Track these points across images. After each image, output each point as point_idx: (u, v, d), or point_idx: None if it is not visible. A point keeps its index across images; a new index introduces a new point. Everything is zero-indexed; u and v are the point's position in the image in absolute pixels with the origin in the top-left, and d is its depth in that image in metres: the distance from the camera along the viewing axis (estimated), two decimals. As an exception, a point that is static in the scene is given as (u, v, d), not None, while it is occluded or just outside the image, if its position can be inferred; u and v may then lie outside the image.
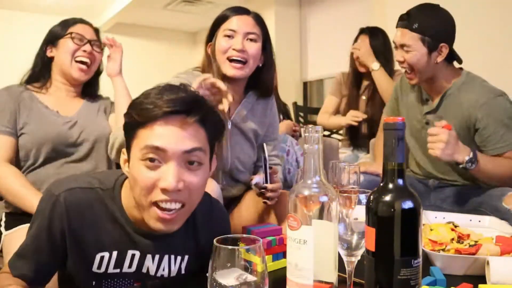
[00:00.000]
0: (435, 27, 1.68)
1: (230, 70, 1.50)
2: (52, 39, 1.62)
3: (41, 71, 1.63)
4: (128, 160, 0.93)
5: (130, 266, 0.98)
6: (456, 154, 1.52)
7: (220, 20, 1.56)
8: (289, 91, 2.63)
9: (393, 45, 1.81)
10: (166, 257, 1.01)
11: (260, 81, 1.62)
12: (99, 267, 0.97)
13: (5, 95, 1.55)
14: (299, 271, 0.76)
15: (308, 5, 4.67)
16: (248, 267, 0.65)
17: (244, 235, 0.73)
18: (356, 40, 2.53)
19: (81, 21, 1.67)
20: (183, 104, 0.88)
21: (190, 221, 1.00)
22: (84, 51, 1.60)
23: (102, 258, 0.97)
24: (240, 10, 1.56)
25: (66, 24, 1.63)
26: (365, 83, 2.55)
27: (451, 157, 1.52)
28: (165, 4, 5.19)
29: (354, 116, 2.46)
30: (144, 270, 1.00)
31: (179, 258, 1.02)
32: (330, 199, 0.75)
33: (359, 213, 0.79)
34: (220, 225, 1.08)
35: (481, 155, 1.59)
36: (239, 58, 1.49)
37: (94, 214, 0.95)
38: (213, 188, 1.36)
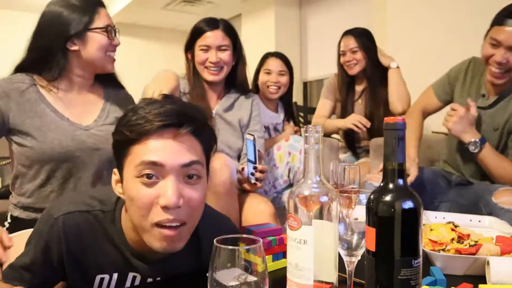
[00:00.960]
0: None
1: (209, 76, 1.87)
2: (75, 31, 1.39)
3: (59, 64, 1.39)
4: (121, 181, 0.90)
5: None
6: (464, 133, 1.65)
7: (196, 35, 1.89)
8: (292, 93, 2.65)
9: (489, 41, 1.64)
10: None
11: (235, 77, 1.94)
12: (99, 287, 0.96)
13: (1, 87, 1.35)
14: (299, 271, 0.75)
15: (308, 5, 4.67)
16: (248, 267, 0.65)
17: (244, 235, 0.73)
18: (339, 43, 2.46)
19: (101, 3, 1.47)
20: (175, 116, 0.85)
21: (193, 241, 0.96)
22: (115, 45, 1.48)
23: (102, 279, 0.95)
24: (211, 25, 1.87)
25: (87, 10, 1.41)
26: (359, 87, 2.47)
27: (460, 133, 1.65)
28: (165, 4, 5.20)
29: (358, 121, 2.34)
30: None
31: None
32: (330, 199, 0.75)
33: (359, 213, 0.79)
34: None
35: (491, 149, 1.66)
36: (215, 68, 1.86)
37: (93, 238, 0.93)
38: (225, 160, 1.62)
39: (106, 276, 0.95)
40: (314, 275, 0.75)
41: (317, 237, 0.74)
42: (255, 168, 1.69)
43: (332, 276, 0.77)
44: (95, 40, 1.42)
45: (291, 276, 0.77)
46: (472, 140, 1.64)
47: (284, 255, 1.09)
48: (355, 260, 0.83)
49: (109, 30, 1.44)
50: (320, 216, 0.75)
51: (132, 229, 0.91)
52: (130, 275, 0.96)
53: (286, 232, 0.79)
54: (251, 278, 0.65)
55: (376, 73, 2.38)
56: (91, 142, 1.41)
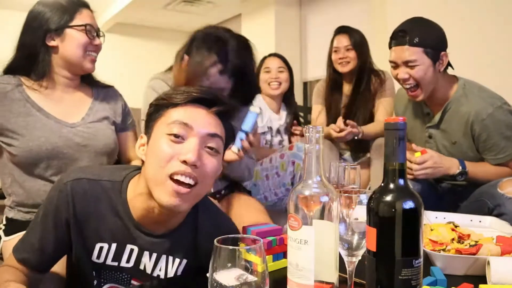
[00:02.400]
0: (433, 37, 1.70)
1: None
2: (55, 27, 1.40)
3: (41, 62, 1.41)
4: (147, 142, 0.99)
5: (128, 261, 1.01)
6: (445, 172, 1.68)
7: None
8: (294, 94, 2.66)
9: (390, 65, 1.77)
10: (163, 257, 1.02)
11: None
12: (98, 257, 1.00)
13: None
14: (300, 271, 0.75)
15: (308, 5, 4.67)
16: (248, 267, 0.65)
17: (245, 235, 0.73)
18: (332, 41, 2.46)
19: (85, 4, 1.48)
20: (211, 94, 0.99)
21: (192, 226, 1.04)
22: (96, 45, 1.48)
23: (101, 248, 1.00)
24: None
25: (68, 9, 1.43)
26: (346, 89, 2.44)
27: (445, 172, 1.68)
28: (165, 4, 5.19)
29: (334, 130, 2.25)
30: (141, 267, 1.02)
31: (177, 260, 1.04)
32: (331, 199, 0.75)
33: (360, 213, 0.79)
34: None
35: (470, 165, 1.70)
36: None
37: (97, 205, 0.98)
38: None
39: (105, 245, 0.99)
40: (314, 275, 0.75)
41: (318, 237, 0.74)
42: (246, 135, 1.60)
43: (332, 276, 0.77)
44: (74, 38, 1.43)
45: (292, 276, 0.77)
46: (457, 171, 1.67)
47: (284, 255, 1.09)
48: (356, 260, 0.83)
49: (88, 29, 1.45)
50: (320, 216, 0.75)
51: (138, 202, 0.97)
52: (128, 247, 1.00)
53: (287, 232, 0.79)
54: (251, 278, 0.65)
55: (364, 76, 2.37)
56: (78, 139, 1.42)
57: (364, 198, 0.80)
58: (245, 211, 1.69)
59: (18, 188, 1.43)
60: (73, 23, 1.43)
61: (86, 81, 1.55)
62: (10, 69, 1.44)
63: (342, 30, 2.46)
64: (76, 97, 1.50)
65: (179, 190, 0.91)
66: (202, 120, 0.95)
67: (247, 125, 1.63)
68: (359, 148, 2.46)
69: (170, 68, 1.75)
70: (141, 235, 1.00)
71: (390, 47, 1.75)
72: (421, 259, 0.70)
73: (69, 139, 1.41)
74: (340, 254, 0.80)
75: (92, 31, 1.46)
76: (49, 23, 1.40)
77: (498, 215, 1.51)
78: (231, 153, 1.60)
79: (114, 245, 1.00)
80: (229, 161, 1.58)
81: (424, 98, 1.75)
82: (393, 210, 0.69)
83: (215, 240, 0.65)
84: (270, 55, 2.59)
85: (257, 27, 4.89)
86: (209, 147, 0.95)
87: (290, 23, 4.68)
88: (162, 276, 1.03)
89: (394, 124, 0.71)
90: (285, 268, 0.80)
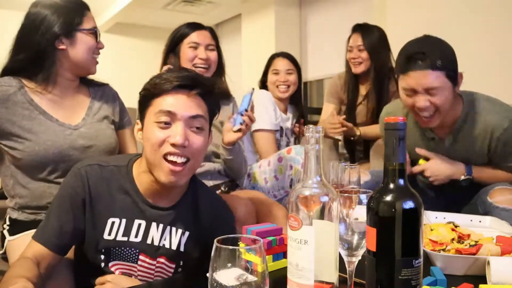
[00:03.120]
0: (451, 58, 1.54)
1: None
2: (65, 30, 1.40)
3: (48, 65, 1.40)
4: (142, 128, 1.14)
5: (136, 235, 1.13)
6: (451, 176, 1.66)
7: (182, 36, 1.89)
8: (301, 95, 2.64)
9: (403, 93, 1.58)
10: (168, 228, 1.16)
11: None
12: (109, 233, 1.12)
13: None
14: (300, 271, 0.75)
15: (308, 5, 4.67)
16: (248, 267, 0.65)
17: (245, 235, 0.72)
18: (349, 39, 2.39)
19: (88, 7, 1.49)
20: (189, 79, 1.11)
21: (193, 203, 1.20)
22: (100, 48, 1.50)
23: (113, 223, 1.13)
24: (197, 26, 1.89)
25: (77, 12, 1.44)
26: (363, 89, 2.39)
27: (450, 178, 1.66)
28: (165, 4, 5.19)
29: (329, 128, 2.24)
30: (149, 240, 1.14)
31: (179, 231, 1.17)
32: (331, 199, 0.75)
33: (360, 213, 0.79)
34: (223, 216, 1.26)
35: (477, 171, 1.67)
36: (203, 66, 1.85)
37: (109, 186, 1.13)
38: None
39: (117, 220, 1.13)
40: (314, 275, 0.75)
41: (318, 237, 0.74)
42: (246, 110, 1.67)
43: (332, 276, 0.77)
44: (83, 41, 1.44)
45: (292, 276, 0.77)
46: (462, 177, 1.65)
47: (284, 255, 1.09)
48: (356, 260, 0.83)
49: (96, 32, 1.47)
50: (320, 216, 0.75)
51: (143, 178, 1.14)
52: (136, 222, 1.14)
53: (287, 232, 0.79)
54: (251, 278, 0.65)
55: (380, 78, 2.29)
56: (82, 141, 1.42)
57: (364, 198, 0.80)
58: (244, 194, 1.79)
59: (22, 189, 1.41)
60: (82, 26, 1.44)
61: (82, 81, 1.55)
62: (12, 71, 1.42)
63: (357, 28, 2.37)
64: (75, 98, 1.50)
65: (174, 169, 1.07)
66: (184, 105, 1.09)
67: (244, 105, 1.69)
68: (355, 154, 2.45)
69: None
70: (148, 208, 1.14)
71: (403, 72, 1.54)
72: (421, 259, 0.70)
73: (74, 141, 1.41)
74: (340, 254, 0.80)
75: (97, 34, 1.48)
76: (58, 26, 1.39)
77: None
78: (233, 134, 1.69)
79: (124, 221, 1.13)
80: (233, 142, 1.71)
81: (437, 125, 1.60)
82: (393, 210, 0.69)
83: (215, 240, 0.66)
84: (279, 55, 2.45)
85: (257, 27, 4.89)
86: (194, 127, 1.10)
87: (290, 23, 4.68)
88: (167, 246, 1.15)
89: (394, 124, 0.71)
90: (285, 268, 0.80)
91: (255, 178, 2.12)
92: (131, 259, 1.14)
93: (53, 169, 1.38)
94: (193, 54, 1.85)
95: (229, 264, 0.64)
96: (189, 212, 1.19)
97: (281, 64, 2.38)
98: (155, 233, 1.14)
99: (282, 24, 4.61)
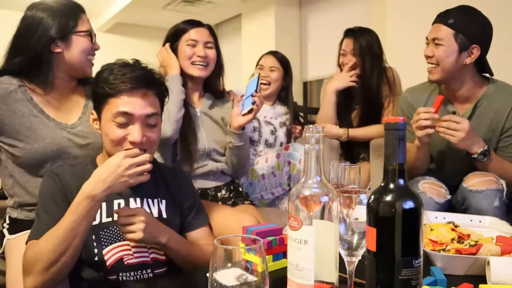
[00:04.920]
0: (470, 26, 1.65)
1: (195, 71, 1.83)
2: (61, 33, 1.40)
3: (45, 68, 1.41)
4: (98, 119, 1.23)
5: None
6: (473, 145, 1.61)
7: (180, 33, 1.86)
8: (292, 95, 2.63)
9: (425, 41, 1.77)
10: (145, 200, 1.25)
11: (211, 85, 1.92)
12: (94, 219, 1.15)
13: None
14: (300, 271, 0.75)
15: (308, 5, 4.67)
16: (248, 267, 0.65)
17: (245, 235, 0.73)
18: (341, 42, 2.36)
19: (83, 10, 1.50)
20: (144, 81, 1.18)
21: (158, 173, 1.31)
22: (95, 49, 1.51)
23: None
24: (195, 23, 1.87)
25: (71, 15, 1.44)
26: (356, 92, 2.34)
27: (468, 147, 1.62)
28: (165, 4, 5.19)
29: (348, 78, 2.26)
30: None
31: (156, 201, 1.26)
32: (331, 199, 0.75)
33: (360, 213, 0.79)
34: (185, 181, 1.39)
35: (495, 155, 1.65)
36: (202, 63, 1.82)
37: (80, 180, 1.15)
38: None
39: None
40: (314, 275, 0.75)
41: (318, 237, 0.74)
42: (256, 92, 1.72)
43: (332, 276, 0.77)
44: (79, 43, 1.44)
45: (292, 276, 0.77)
46: (481, 149, 1.61)
47: (284, 255, 1.09)
48: (356, 260, 0.83)
49: (91, 34, 1.48)
50: (320, 216, 0.75)
51: None
52: (115, 202, 1.22)
53: (287, 232, 0.79)
54: (251, 278, 0.65)
55: (370, 83, 2.26)
56: (79, 139, 1.44)
57: (364, 198, 0.80)
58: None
59: (20, 189, 1.43)
60: (78, 29, 1.44)
61: (79, 81, 1.55)
62: (11, 72, 1.42)
63: (350, 32, 2.34)
64: (71, 99, 1.51)
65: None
66: (140, 106, 1.17)
67: (251, 88, 1.73)
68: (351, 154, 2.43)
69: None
70: None
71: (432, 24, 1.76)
72: (421, 259, 0.70)
73: (71, 140, 1.43)
74: (340, 254, 0.80)
75: (93, 35, 1.49)
76: (53, 29, 1.39)
77: (466, 210, 1.56)
78: (243, 117, 1.74)
79: (104, 204, 1.19)
80: (243, 125, 1.75)
81: (438, 80, 1.73)
82: (393, 210, 0.69)
83: (215, 240, 0.66)
84: (267, 52, 2.50)
85: (257, 27, 4.89)
86: (149, 124, 1.19)
87: (290, 23, 4.68)
88: None
89: (394, 124, 0.71)
90: (285, 268, 0.80)
91: (253, 175, 2.12)
92: (121, 237, 1.16)
93: (51, 166, 1.39)
94: (191, 52, 1.82)
95: (229, 264, 0.64)
96: (158, 181, 1.30)
97: (266, 61, 2.41)
98: (135, 207, 1.21)
99: (282, 24, 4.61)
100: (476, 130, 1.66)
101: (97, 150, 1.43)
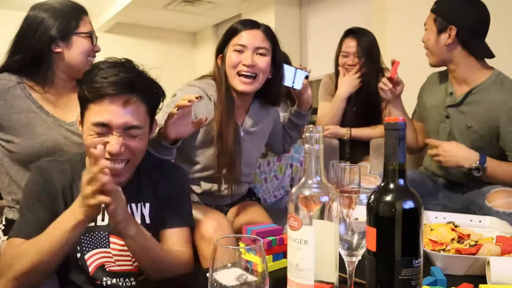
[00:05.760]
0: (447, 8, 1.73)
1: (240, 85, 1.55)
2: (62, 33, 1.41)
3: (45, 67, 1.42)
4: (81, 122, 1.14)
5: (102, 219, 1.14)
6: (462, 162, 1.63)
7: (230, 34, 1.59)
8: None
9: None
10: (128, 206, 1.14)
11: (269, 92, 1.67)
12: None
13: None
14: (300, 271, 0.75)
15: (308, 5, 4.67)
16: (248, 267, 0.65)
17: (245, 235, 0.72)
18: (341, 42, 2.35)
19: (85, 11, 1.50)
20: (127, 86, 1.07)
21: (144, 174, 1.22)
22: (96, 51, 1.51)
23: None
24: (250, 24, 1.58)
25: (73, 16, 1.45)
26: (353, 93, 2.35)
27: (459, 164, 1.64)
28: (165, 4, 5.18)
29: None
30: None
31: (139, 205, 1.19)
32: (331, 199, 0.75)
33: (360, 213, 0.79)
34: (176, 177, 1.29)
35: (491, 161, 1.63)
36: (249, 73, 1.54)
37: (67, 176, 1.15)
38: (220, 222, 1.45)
39: None
40: (314, 275, 0.75)
41: (318, 237, 0.74)
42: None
43: (332, 276, 0.77)
44: (79, 44, 1.45)
45: (292, 276, 0.77)
46: (473, 166, 1.61)
47: (284, 255, 1.09)
48: (356, 260, 0.83)
49: (92, 36, 1.48)
50: (320, 216, 0.75)
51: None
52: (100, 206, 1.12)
53: (287, 232, 0.79)
54: (251, 278, 0.65)
55: (373, 80, 2.27)
56: (77, 137, 1.44)
57: (364, 198, 0.80)
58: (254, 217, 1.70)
59: (16, 187, 1.43)
60: (79, 30, 1.45)
61: (78, 81, 1.54)
62: (10, 69, 1.44)
63: (352, 33, 2.32)
64: (71, 97, 1.51)
65: (114, 172, 1.06)
66: (118, 115, 1.06)
67: (290, 68, 1.76)
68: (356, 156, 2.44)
69: (202, 77, 1.69)
70: None
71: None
72: (421, 259, 0.70)
73: (68, 138, 1.43)
74: (340, 254, 0.80)
75: (93, 37, 1.49)
76: (55, 29, 1.40)
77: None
78: (307, 93, 1.78)
79: None
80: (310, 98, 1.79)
81: (433, 64, 1.81)
82: (393, 210, 0.69)
83: (215, 240, 0.66)
84: None
85: (257, 27, 4.89)
86: (131, 135, 1.09)
87: (290, 23, 4.68)
88: None
89: (394, 124, 0.71)
90: (285, 268, 0.80)
91: (256, 179, 2.12)
92: (102, 243, 1.13)
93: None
94: (237, 59, 1.54)
95: (229, 264, 0.64)
96: (142, 183, 1.21)
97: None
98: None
99: (282, 24, 4.60)
100: (470, 117, 1.70)
101: None
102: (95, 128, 1.07)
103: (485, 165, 1.61)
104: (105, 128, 1.07)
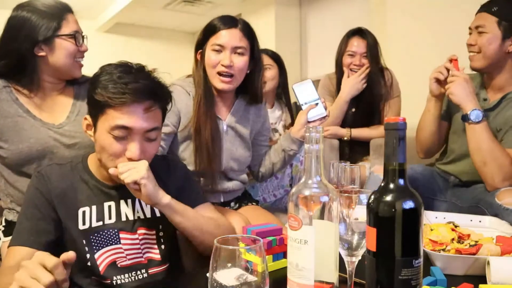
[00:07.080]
0: None
1: (219, 84, 1.57)
2: (43, 37, 1.36)
3: (29, 71, 1.39)
4: (93, 127, 1.13)
5: (110, 217, 1.16)
6: (468, 100, 1.60)
7: (209, 32, 1.59)
8: (289, 91, 2.64)
9: (468, 32, 1.76)
10: (137, 200, 1.19)
11: (249, 87, 1.68)
12: (83, 222, 1.14)
13: None
14: (300, 271, 0.75)
15: (308, 5, 4.67)
16: (248, 267, 0.65)
17: (245, 235, 0.72)
18: (346, 42, 2.32)
19: (69, 9, 1.43)
20: (147, 94, 1.08)
21: (154, 174, 1.17)
22: (82, 51, 1.45)
23: (84, 212, 1.15)
24: (228, 23, 1.58)
25: (54, 17, 1.38)
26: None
27: (463, 100, 1.60)
28: (165, 4, 5.19)
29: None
30: (123, 218, 1.17)
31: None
32: (331, 199, 0.75)
33: (360, 213, 0.79)
34: (182, 170, 1.33)
35: (487, 126, 1.60)
36: (227, 73, 1.56)
37: (69, 180, 1.16)
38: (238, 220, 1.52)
39: (87, 209, 1.15)
40: (314, 275, 0.75)
41: (318, 237, 0.74)
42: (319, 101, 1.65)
43: (332, 276, 0.77)
44: (63, 47, 1.40)
45: (292, 276, 0.77)
46: (476, 108, 1.58)
47: (284, 255, 1.09)
48: (356, 260, 0.83)
49: (77, 36, 1.42)
50: (320, 216, 0.75)
51: (99, 168, 1.17)
52: (106, 205, 1.17)
53: (287, 232, 0.79)
54: (251, 278, 0.65)
55: (375, 79, 2.28)
56: (66, 139, 1.42)
57: (364, 198, 0.80)
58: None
59: (13, 189, 1.43)
60: (61, 32, 1.39)
61: (69, 81, 1.52)
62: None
63: (359, 33, 2.30)
64: (58, 100, 1.48)
65: None
66: (141, 120, 1.08)
67: (309, 94, 1.67)
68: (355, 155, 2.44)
69: (188, 76, 1.69)
70: (112, 190, 1.18)
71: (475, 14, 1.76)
72: (421, 259, 0.70)
73: (58, 140, 1.41)
74: (340, 254, 0.80)
75: (79, 38, 1.43)
76: (36, 32, 1.35)
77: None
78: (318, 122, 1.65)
79: (94, 207, 1.15)
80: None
81: (480, 68, 1.72)
82: (393, 210, 0.69)
83: (215, 240, 0.66)
84: (262, 50, 2.50)
85: (257, 27, 4.87)
86: (149, 138, 1.12)
87: (290, 23, 4.68)
88: (142, 217, 1.19)
89: (394, 124, 0.71)
90: (285, 268, 0.79)
91: None
92: (113, 240, 1.15)
93: (38, 165, 1.39)
94: (216, 59, 1.55)
95: (229, 264, 0.64)
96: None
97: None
98: (126, 209, 1.18)
99: (282, 24, 4.60)
100: (498, 122, 1.66)
101: (85, 149, 1.41)
102: (115, 132, 1.07)
103: (483, 119, 1.59)
104: (125, 131, 1.08)
